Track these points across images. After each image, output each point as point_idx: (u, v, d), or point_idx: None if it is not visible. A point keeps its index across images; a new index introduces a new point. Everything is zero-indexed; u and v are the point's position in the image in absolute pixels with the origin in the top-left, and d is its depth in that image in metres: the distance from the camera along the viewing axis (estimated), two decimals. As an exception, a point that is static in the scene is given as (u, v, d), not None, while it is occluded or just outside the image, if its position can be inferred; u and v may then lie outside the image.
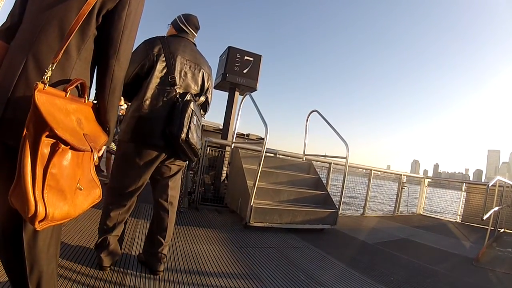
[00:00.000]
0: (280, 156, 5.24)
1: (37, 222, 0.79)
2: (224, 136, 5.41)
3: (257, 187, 3.75)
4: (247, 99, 4.77)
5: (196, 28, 2.23)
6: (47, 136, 0.82)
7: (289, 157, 5.50)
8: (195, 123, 1.94)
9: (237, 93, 5.72)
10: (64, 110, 0.91)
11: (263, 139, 5.99)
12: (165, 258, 2.13)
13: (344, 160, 4.81)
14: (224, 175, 5.00)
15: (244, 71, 5.69)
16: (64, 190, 0.88)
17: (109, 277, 1.93)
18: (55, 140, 0.84)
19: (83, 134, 0.95)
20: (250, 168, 4.19)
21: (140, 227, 3.06)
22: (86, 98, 1.05)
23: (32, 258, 1.01)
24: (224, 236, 3.30)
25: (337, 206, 4.55)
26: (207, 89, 2.25)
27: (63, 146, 0.85)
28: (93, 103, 1.10)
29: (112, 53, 1.08)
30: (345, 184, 4.83)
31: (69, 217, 0.90)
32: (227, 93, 5.84)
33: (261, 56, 5.92)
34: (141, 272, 2.10)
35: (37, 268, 1.03)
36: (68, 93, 0.94)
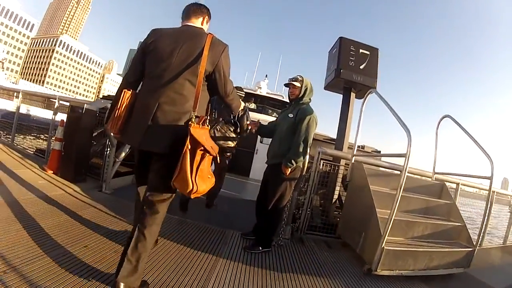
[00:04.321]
0: (408, 175, 4.09)
1: (192, 194, 1.65)
2: (339, 147, 4.58)
3: (384, 217, 2.89)
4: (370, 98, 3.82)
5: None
6: (200, 150, 1.67)
7: (415, 175, 4.35)
8: None
9: (353, 95, 4.82)
10: (204, 134, 1.72)
11: (378, 152, 4.89)
12: None
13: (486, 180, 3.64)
14: (336, 195, 4.17)
15: (361, 67, 4.80)
16: (204, 177, 1.72)
17: None
18: (203, 152, 1.69)
19: (211, 146, 1.74)
20: (378, 191, 3.31)
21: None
22: (206, 125, 1.85)
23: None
24: (338, 285, 2.59)
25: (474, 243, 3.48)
26: None
27: (208, 154, 1.72)
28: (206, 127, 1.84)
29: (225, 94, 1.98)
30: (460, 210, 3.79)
31: (205, 192, 1.73)
32: (341, 95, 4.97)
33: (377, 49, 4.97)
34: None
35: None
36: (200, 125, 1.76)
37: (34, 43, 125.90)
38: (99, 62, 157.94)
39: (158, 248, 2.57)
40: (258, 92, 13.27)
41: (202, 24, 2.04)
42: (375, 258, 2.82)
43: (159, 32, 1.91)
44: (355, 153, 3.72)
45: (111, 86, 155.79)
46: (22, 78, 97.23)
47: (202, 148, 1.66)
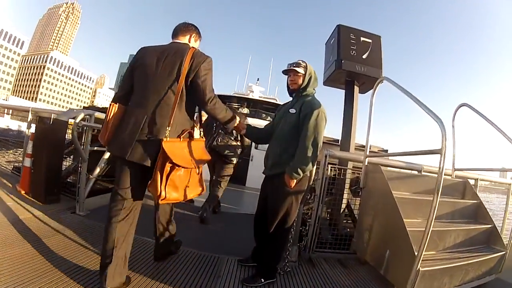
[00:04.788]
0: (429, 174, 3.54)
1: (160, 200, 1.81)
2: (345, 148, 4.02)
3: (414, 229, 2.40)
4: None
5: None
6: (169, 162, 1.81)
7: (433, 174, 3.78)
8: None
9: (356, 88, 4.31)
10: (179, 147, 1.90)
11: (385, 151, 4.35)
12: None
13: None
14: (344, 203, 3.59)
15: (363, 57, 4.30)
16: (177, 187, 1.87)
17: None
18: (173, 164, 1.82)
19: (191, 159, 1.95)
20: (402, 197, 2.76)
21: None
22: (201, 136, 2.18)
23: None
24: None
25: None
26: None
27: (177, 167, 1.84)
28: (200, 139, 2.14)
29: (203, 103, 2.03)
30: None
31: (178, 200, 1.92)
32: (342, 90, 4.48)
33: (380, 37, 4.49)
34: None
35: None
36: (181, 139, 1.94)
37: (25, 60, 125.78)
38: (91, 77, 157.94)
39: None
40: (250, 96, 12.90)
41: (189, 41, 2.19)
42: (408, 283, 2.26)
43: (146, 49, 2.04)
44: (368, 153, 3.18)
45: (104, 100, 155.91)
46: (15, 95, 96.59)
47: (170, 161, 1.81)
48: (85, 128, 3.52)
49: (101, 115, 3.68)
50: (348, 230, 3.63)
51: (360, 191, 3.26)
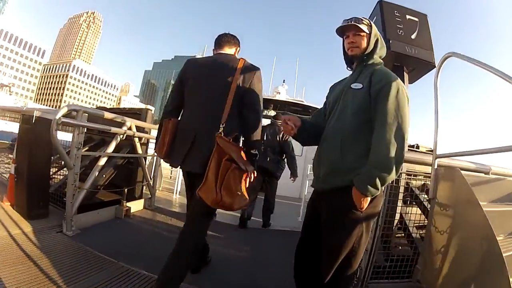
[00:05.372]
0: (502, 178, 2.63)
1: (216, 205, 1.68)
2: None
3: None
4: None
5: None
6: (226, 159, 1.68)
7: (505, 177, 2.77)
8: None
9: (406, 76, 3.57)
10: (231, 148, 1.73)
11: (431, 150, 3.62)
12: None
13: None
14: (396, 218, 2.73)
15: (412, 37, 3.56)
16: (231, 191, 1.67)
17: None
18: (230, 162, 1.68)
19: (243, 162, 1.73)
20: (492, 211, 1.92)
21: None
22: (239, 144, 1.97)
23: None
24: None
25: None
26: None
27: (234, 165, 1.68)
28: (242, 147, 1.87)
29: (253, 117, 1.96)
30: None
31: (230, 207, 1.70)
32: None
33: (426, 16, 3.80)
34: None
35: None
36: (229, 141, 1.76)
37: (46, 69, 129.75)
38: (115, 85, 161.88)
39: None
40: (277, 98, 12.35)
41: (234, 54, 2.17)
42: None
43: (194, 62, 2.09)
44: (438, 154, 2.35)
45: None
46: (38, 103, 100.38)
47: (228, 157, 1.69)
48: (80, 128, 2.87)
49: (95, 112, 3.08)
50: (400, 248, 2.88)
51: (428, 202, 2.43)
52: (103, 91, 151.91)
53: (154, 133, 4.39)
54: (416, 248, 2.63)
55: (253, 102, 1.94)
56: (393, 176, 1.37)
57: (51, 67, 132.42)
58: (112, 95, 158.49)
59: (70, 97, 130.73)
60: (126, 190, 3.58)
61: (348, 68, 1.79)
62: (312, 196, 1.79)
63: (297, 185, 7.48)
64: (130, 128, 3.46)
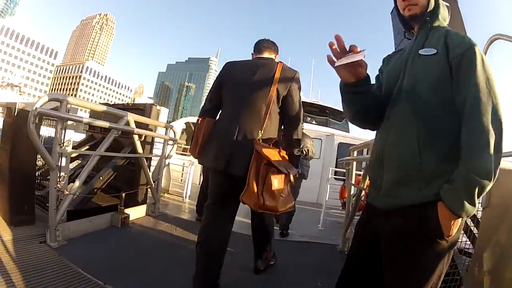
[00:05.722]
0: None
1: (260, 208, 1.70)
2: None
3: None
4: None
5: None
6: (265, 164, 1.71)
7: None
8: None
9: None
10: (271, 152, 1.79)
11: None
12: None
13: None
14: None
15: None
16: (274, 194, 1.72)
17: None
18: (269, 166, 1.72)
19: (283, 165, 1.80)
20: None
21: None
22: (280, 148, 1.94)
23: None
24: None
25: None
26: None
27: (273, 168, 1.72)
28: (282, 150, 1.94)
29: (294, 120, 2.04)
30: None
31: (274, 210, 1.75)
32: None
33: (456, 1, 3.74)
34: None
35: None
36: (269, 145, 1.85)
37: (60, 70, 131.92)
38: (129, 86, 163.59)
39: None
40: None
41: (274, 59, 2.22)
42: None
43: (235, 64, 2.14)
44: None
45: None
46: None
47: (266, 161, 1.73)
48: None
49: (77, 102, 2.67)
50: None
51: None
52: (117, 92, 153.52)
53: (162, 131, 4.02)
54: (456, 267, 2.16)
55: (293, 105, 2.01)
56: (490, 181, 0.92)
57: (65, 68, 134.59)
58: (126, 96, 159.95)
59: (83, 98, 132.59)
60: (124, 194, 3.15)
61: (407, 36, 1.35)
62: (365, 216, 1.31)
63: (313, 187, 7.01)
64: (128, 124, 3.04)
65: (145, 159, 3.60)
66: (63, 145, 2.46)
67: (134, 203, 3.61)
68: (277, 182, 1.75)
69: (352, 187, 3.69)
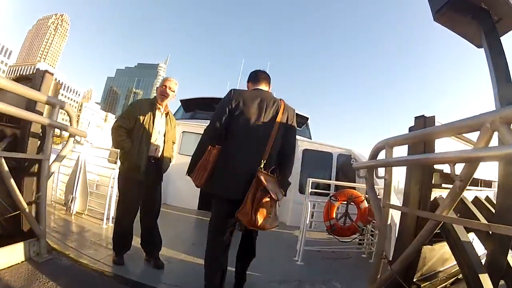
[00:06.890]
0: None
1: (251, 226, 1.94)
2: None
3: None
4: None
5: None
6: (261, 190, 1.95)
7: None
8: None
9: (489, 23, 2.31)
10: (267, 179, 1.98)
11: None
12: None
13: None
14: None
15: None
16: (264, 214, 1.96)
17: None
18: (264, 192, 1.95)
19: (275, 191, 2.01)
20: None
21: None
22: (275, 175, 2.11)
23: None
24: None
25: None
26: None
27: (268, 194, 1.95)
28: (277, 177, 2.12)
29: (291, 153, 2.29)
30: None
31: (263, 228, 1.97)
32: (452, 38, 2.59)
33: None
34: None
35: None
36: (268, 173, 2.02)
37: (12, 71, 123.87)
38: (77, 91, 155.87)
39: None
40: None
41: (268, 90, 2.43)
42: None
43: (244, 94, 2.20)
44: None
45: (90, 115, 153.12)
46: None
47: (263, 187, 1.95)
48: None
49: None
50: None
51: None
52: (66, 96, 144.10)
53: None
54: None
55: (292, 141, 2.30)
56: None
57: (17, 69, 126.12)
58: (74, 101, 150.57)
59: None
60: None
61: None
62: None
63: (283, 205, 5.23)
64: None
65: (24, 163, 2.20)
66: None
67: (14, 235, 2.23)
68: (268, 205, 2.01)
69: (391, 209, 2.00)
